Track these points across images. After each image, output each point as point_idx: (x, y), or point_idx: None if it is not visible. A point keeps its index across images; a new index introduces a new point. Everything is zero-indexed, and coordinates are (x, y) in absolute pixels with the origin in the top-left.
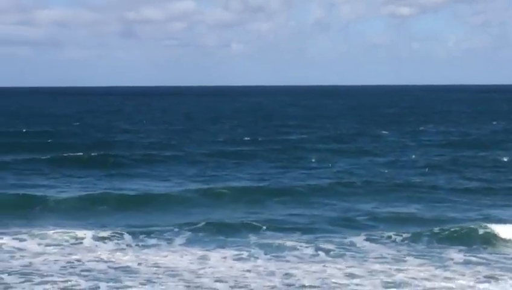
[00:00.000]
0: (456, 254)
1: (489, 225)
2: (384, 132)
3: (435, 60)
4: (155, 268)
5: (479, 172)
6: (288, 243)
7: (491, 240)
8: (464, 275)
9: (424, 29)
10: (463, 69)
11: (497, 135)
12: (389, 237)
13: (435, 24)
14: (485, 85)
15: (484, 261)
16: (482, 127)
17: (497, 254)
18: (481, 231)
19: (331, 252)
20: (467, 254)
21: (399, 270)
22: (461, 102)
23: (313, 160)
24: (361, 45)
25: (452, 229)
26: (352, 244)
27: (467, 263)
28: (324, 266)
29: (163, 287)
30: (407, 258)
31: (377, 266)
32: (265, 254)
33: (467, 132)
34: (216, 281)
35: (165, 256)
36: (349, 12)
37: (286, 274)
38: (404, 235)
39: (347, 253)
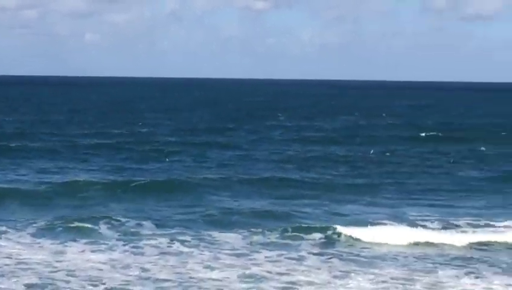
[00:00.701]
0: (309, 249)
1: (337, 226)
2: (236, 126)
3: (289, 55)
4: (8, 260)
5: (331, 167)
6: (146, 236)
7: (340, 237)
8: (319, 269)
9: (278, 23)
10: (317, 64)
11: (349, 130)
12: (243, 231)
13: (290, 18)
14: (340, 80)
15: (337, 257)
16: (335, 121)
17: (347, 250)
18: (330, 229)
19: (188, 245)
20: (320, 250)
21: (255, 264)
22: (316, 97)
23: (166, 157)
24: (216, 37)
25: (304, 225)
26: (208, 237)
27: (320, 257)
28: (181, 259)
29: (15, 279)
30: (262, 251)
31: (233, 260)
32: (124, 246)
33: (322, 126)
34: (68, 275)
35: (19, 249)
36: (204, 4)
37: (142, 268)
38: (258, 229)
39: (203, 246)
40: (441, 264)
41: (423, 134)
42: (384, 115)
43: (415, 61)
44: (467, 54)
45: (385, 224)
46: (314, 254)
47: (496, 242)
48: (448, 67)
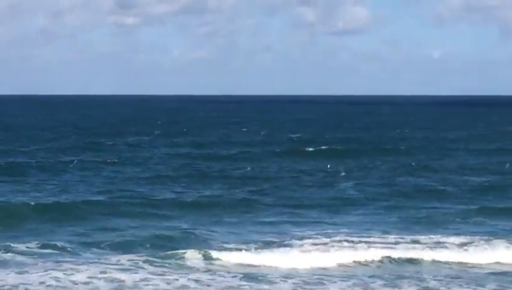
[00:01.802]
0: (182, 274)
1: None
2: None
3: (161, 71)
4: None
5: (209, 184)
6: None
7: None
8: None
9: (150, 39)
10: (189, 80)
11: (223, 145)
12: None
13: (161, 35)
14: (212, 96)
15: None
16: (207, 136)
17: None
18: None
19: None
20: (190, 276)
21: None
22: (188, 111)
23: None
24: (88, 54)
25: (180, 251)
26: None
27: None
28: None
29: None
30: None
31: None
32: None
33: (195, 140)
34: None
35: None
36: (75, 21)
37: None
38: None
39: None
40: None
41: (311, 149)
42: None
43: (286, 75)
44: (337, 67)
45: (270, 244)
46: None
47: (386, 257)
48: (318, 81)
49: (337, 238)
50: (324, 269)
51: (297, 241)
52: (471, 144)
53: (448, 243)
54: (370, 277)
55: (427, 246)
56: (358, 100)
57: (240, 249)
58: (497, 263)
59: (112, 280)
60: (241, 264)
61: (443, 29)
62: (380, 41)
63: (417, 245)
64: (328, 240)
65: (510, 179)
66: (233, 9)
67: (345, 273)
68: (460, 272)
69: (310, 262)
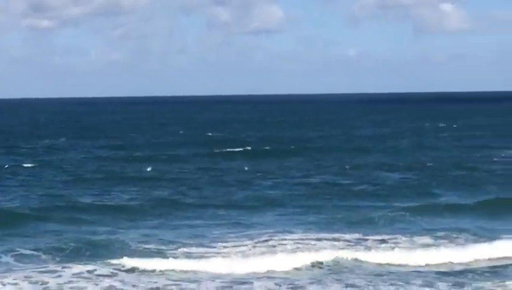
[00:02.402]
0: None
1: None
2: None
3: (77, 72)
4: None
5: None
6: None
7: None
8: None
9: (65, 42)
10: (106, 82)
11: (140, 148)
12: None
13: (76, 37)
14: (129, 97)
15: None
16: (126, 137)
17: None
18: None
19: None
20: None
21: None
22: (105, 113)
23: None
24: (2, 58)
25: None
26: None
27: None
28: None
29: None
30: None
31: None
32: None
33: (112, 143)
34: None
35: None
36: None
37: None
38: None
39: None
40: None
41: (230, 149)
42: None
43: (202, 76)
44: (254, 67)
45: (189, 247)
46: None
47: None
48: (235, 82)
49: (261, 239)
50: (250, 273)
51: (219, 244)
52: (388, 141)
53: (369, 241)
54: (296, 278)
55: (348, 245)
56: (276, 99)
57: (162, 253)
58: (421, 260)
59: (36, 282)
60: (163, 271)
61: (358, 27)
62: (295, 41)
63: (338, 243)
64: (251, 241)
65: (428, 176)
66: (147, 10)
67: (271, 275)
68: (384, 270)
69: (234, 266)
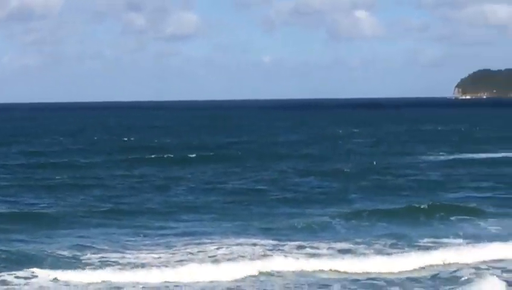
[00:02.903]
0: None
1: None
2: None
3: None
4: None
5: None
6: None
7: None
8: None
9: None
10: (18, 88)
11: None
12: None
13: None
14: (42, 103)
15: None
16: (39, 144)
17: None
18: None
19: None
20: None
21: None
22: (21, 120)
23: None
24: None
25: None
26: None
27: None
28: None
29: None
30: None
31: None
32: None
33: (26, 149)
34: None
35: None
36: None
37: None
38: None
39: None
40: None
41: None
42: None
43: (117, 82)
44: (169, 73)
45: (103, 254)
46: None
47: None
48: (151, 87)
49: (177, 246)
50: (173, 282)
51: (135, 251)
52: (304, 147)
53: (287, 247)
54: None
55: (267, 251)
56: (192, 105)
57: (77, 262)
58: (343, 267)
59: None
60: (79, 281)
61: (273, 33)
62: (212, 46)
63: (256, 249)
64: (168, 249)
65: (345, 181)
66: (60, 15)
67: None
68: (305, 278)
69: (156, 276)
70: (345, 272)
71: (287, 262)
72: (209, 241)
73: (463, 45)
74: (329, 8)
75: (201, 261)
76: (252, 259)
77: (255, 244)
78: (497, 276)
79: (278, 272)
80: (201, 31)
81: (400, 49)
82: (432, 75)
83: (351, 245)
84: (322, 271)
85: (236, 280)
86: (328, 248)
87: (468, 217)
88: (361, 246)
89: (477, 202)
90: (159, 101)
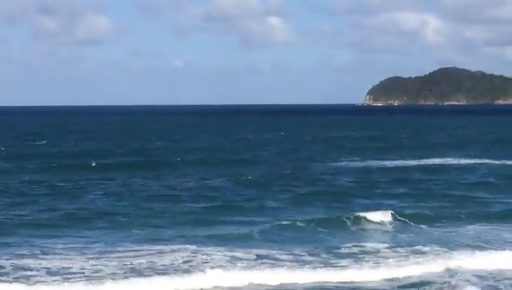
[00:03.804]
0: None
1: None
2: None
3: None
4: None
5: None
6: None
7: None
8: None
9: None
10: None
11: None
12: None
13: None
14: None
15: None
16: None
17: None
18: None
19: None
20: None
21: None
22: None
23: None
24: None
25: None
26: None
27: None
28: None
29: None
30: None
31: None
32: None
33: None
34: None
35: None
36: None
37: None
38: None
39: None
40: None
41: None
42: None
43: (28, 87)
44: (81, 77)
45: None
46: None
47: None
48: (61, 91)
49: (95, 252)
50: None
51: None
52: (214, 153)
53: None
54: None
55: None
56: (103, 110)
57: None
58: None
59: None
60: None
61: (185, 39)
62: (124, 51)
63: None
64: (84, 256)
65: (262, 189)
66: None
67: None
68: None
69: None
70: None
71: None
72: (123, 249)
73: (375, 52)
74: (242, 14)
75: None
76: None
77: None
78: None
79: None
80: (114, 36)
81: (312, 55)
82: (344, 81)
83: (269, 254)
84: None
85: None
86: (246, 255)
87: (381, 223)
88: (284, 256)
89: (391, 208)
90: (68, 106)
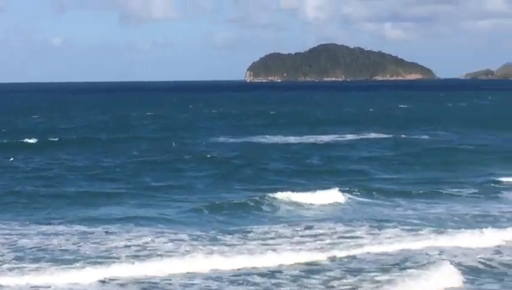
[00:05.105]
0: None
1: None
2: None
3: None
4: None
5: None
6: None
7: None
8: None
9: None
10: None
11: None
12: None
13: None
14: None
15: None
16: None
17: None
18: None
19: None
20: None
21: None
22: None
23: None
24: None
25: None
26: None
27: None
28: None
29: None
30: None
31: None
32: None
33: None
34: None
35: None
36: None
37: None
38: None
39: None
40: None
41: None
42: None
43: None
44: None
45: None
46: None
47: None
48: None
49: None
50: None
51: None
52: (103, 133)
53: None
54: None
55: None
56: None
57: None
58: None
59: None
60: None
61: (64, 16)
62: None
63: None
64: None
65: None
66: None
67: None
68: None
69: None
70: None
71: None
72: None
73: (255, 28)
74: None
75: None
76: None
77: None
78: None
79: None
80: None
81: (193, 32)
82: (225, 58)
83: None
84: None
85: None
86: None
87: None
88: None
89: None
90: None
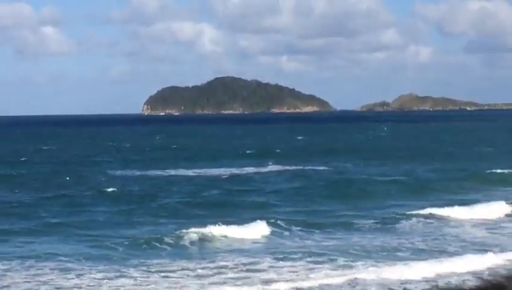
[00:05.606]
0: None
1: None
2: None
3: None
4: None
5: None
6: None
7: None
8: None
9: None
10: None
11: None
12: None
13: None
14: None
15: None
16: None
17: None
18: None
19: None
20: None
21: None
22: None
23: None
24: None
25: None
26: None
27: None
28: None
29: None
30: None
31: None
32: None
33: None
34: None
35: None
36: None
37: None
38: None
39: None
40: None
41: None
42: None
43: None
44: None
45: None
46: None
47: None
48: None
49: None
50: None
51: None
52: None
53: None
54: None
55: None
56: None
57: None
58: None
59: None
60: None
61: None
62: None
63: None
64: None
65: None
66: None
67: None
68: None
69: None
70: None
71: None
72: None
73: (152, 62)
74: (15, 24)
75: None
76: None
77: None
78: None
79: None
80: None
81: (89, 65)
82: (122, 91)
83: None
84: None
85: None
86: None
87: None
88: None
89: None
90: None
